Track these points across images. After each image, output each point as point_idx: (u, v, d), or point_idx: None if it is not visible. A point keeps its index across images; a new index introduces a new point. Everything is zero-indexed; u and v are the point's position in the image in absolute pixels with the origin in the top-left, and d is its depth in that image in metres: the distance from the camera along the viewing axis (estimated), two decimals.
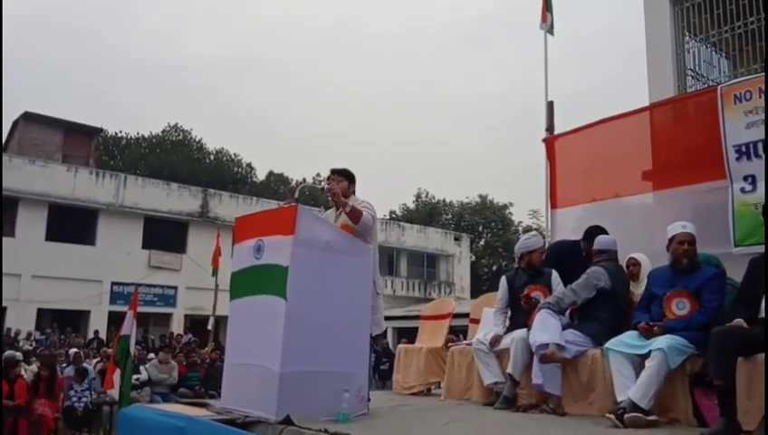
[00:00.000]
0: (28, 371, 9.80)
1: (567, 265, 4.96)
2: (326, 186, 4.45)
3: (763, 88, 4.99)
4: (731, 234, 5.01)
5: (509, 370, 4.44)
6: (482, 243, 42.91)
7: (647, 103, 6.87)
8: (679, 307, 3.83)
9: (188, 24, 67.03)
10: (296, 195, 4.35)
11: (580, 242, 5.25)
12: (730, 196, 5.09)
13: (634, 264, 4.82)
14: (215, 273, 16.91)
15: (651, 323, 3.78)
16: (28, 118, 24.73)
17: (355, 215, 4.18)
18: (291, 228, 3.74)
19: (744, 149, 5.06)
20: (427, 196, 45.68)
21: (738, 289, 3.76)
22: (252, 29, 70.80)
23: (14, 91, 51.36)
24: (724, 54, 8.10)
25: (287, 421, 3.47)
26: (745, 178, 5.03)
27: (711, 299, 3.77)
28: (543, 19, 8.07)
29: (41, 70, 57.19)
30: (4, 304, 20.64)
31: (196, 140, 41.34)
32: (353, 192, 4.51)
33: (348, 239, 4.10)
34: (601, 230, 5.07)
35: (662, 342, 3.62)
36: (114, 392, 8.05)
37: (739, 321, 3.37)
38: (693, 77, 8.02)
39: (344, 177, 4.45)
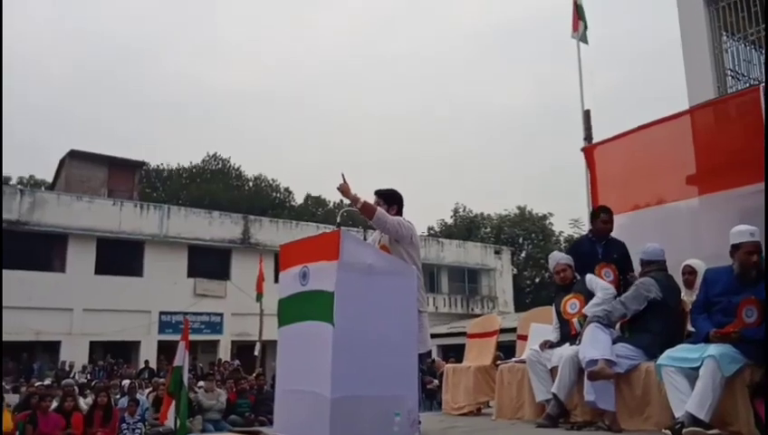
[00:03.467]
0: (83, 403, 10.04)
1: (585, 259, 5.03)
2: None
3: None
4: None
5: (554, 389, 4.39)
6: (523, 255, 42.43)
7: (686, 106, 6.77)
8: (748, 315, 3.68)
9: (211, 61, 68.61)
10: (338, 220, 4.37)
11: (589, 232, 5.37)
12: None
13: (690, 272, 4.75)
14: (259, 298, 17.09)
15: (731, 329, 3.61)
16: (74, 156, 25.51)
17: (367, 210, 4.14)
18: (334, 254, 3.76)
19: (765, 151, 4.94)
20: (464, 210, 45.55)
21: None
22: (279, 60, 72.06)
23: (60, 136, 53.33)
24: (763, 52, 7.93)
25: None
26: None
27: None
28: (575, 27, 8.01)
29: (86, 116, 59.17)
30: (57, 337, 21.24)
31: (235, 167, 42.17)
32: (398, 213, 4.46)
33: (390, 260, 4.12)
34: (602, 210, 5.28)
35: (713, 349, 3.54)
36: (170, 423, 8.14)
37: None
38: (733, 77, 7.87)
39: (384, 198, 4.45)
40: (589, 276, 4.77)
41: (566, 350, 4.41)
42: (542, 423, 4.37)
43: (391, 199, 4.48)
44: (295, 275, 4.08)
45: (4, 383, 13.74)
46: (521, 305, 32.47)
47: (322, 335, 3.72)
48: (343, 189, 4.19)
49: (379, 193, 4.51)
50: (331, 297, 3.71)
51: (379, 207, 4.22)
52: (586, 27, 7.87)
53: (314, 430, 3.68)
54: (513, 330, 6.14)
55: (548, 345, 4.69)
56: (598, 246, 5.17)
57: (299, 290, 4.03)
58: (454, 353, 14.71)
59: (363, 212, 4.20)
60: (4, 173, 38.97)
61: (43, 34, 61.18)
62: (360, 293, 3.81)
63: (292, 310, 4.12)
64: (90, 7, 65.41)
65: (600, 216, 5.26)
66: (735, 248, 3.84)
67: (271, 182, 42.79)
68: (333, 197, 43.08)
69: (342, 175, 4.17)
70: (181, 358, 8.06)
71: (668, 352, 3.80)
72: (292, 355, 4.12)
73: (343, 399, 3.61)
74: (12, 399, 10.56)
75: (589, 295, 4.58)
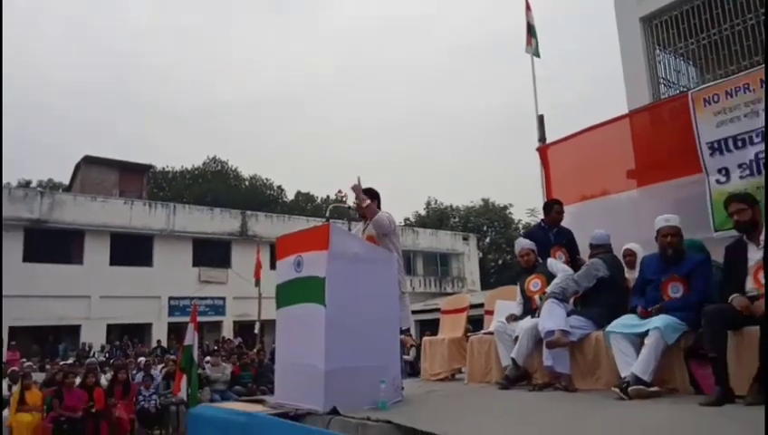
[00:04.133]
0: (103, 379, 9.91)
1: (539, 244, 5.13)
2: (353, 202, 4.47)
3: (729, 91, 4.99)
4: (710, 221, 4.99)
5: (513, 354, 4.45)
6: (487, 241, 42.70)
7: (626, 110, 6.85)
8: (674, 290, 3.81)
9: (212, 72, 67.74)
10: (326, 214, 4.38)
11: (542, 221, 5.57)
12: (707, 187, 5.08)
13: (630, 254, 4.86)
14: (257, 283, 17.04)
15: (651, 309, 3.75)
16: (88, 161, 25.12)
17: (371, 211, 4.28)
18: (325, 244, 3.77)
19: (716, 145, 5.07)
20: (436, 203, 45.65)
21: (723, 271, 3.73)
22: (272, 71, 71.42)
23: (75, 142, 52.34)
24: (691, 63, 8.05)
25: (334, 412, 3.49)
26: (719, 171, 5.03)
27: (701, 282, 3.75)
28: (528, 43, 8.06)
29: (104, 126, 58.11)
30: (78, 322, 20.96)
31: (233, 169, 41.75)
32: (378, 207, 4.52)
33: (374, 249, 4.14)
34: (555, 202, 5.54)
35: (658, 321, 3.60)
36: (182, 395, 8.10)
37: (736, 296, 3.33)
38: (665, 85, 7.98)
39: (368, 195, 4.50)
40: (550, 260, 4.86)
41: (526, 322, 4.47)
42: (501, 383, 4.45)
43: (375, 195, 4.56)
44: (291, 263, 4.08)
45: (31, 362, 13.55)
46: (486, 285, 32.69)
47: (316, 315, 3.73)
48: (356, 190, 4.29)
49: (364, 190, 4.54)
50: (322, 282, 3.72)
51: (378, 210, 4.30)
52: (537, 43, 7.93)
53: (311, 398, 3.69)
54: (481, 306, 6.18)
55: (513, 318, 4.75)
56: (550, 233, 5.29)
57: (294, 276, 4.03)
58: (429, 328, 14.77)
59: (367, 212, 4.31)
60: (25, 177, 38.30)
61: (62, 49, 59.81)
62: (348, 278, 3.83)
63: (288, 294, 4.12)
64: (104, 26, 64.10)
65: (554, 207, 5.40)
66: (657, 233, 3.95)
67: (265, 181, 42.48)
68: (321, 193, 43.01)
69: (358, 178, 4.29)
70: (191, 338, 8.02)
71: (616, 322, 3.86)
72: (290, 333, 4.12)
73: (335, 370, 3.63)
74: (38, 377, 10.37)
75: (550, 276, 4.64)
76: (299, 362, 3.89)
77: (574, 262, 5.10)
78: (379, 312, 3.95)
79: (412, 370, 10.08)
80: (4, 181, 32.68)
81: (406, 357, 13.73)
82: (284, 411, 3.72)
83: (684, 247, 3.92)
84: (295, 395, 3.88)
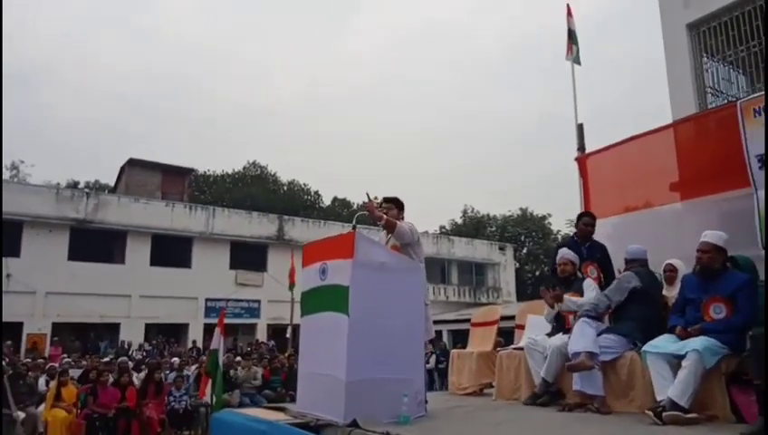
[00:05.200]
0: (138, 378, 10.10)
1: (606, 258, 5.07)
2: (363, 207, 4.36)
3: None
4: (758, 237, 4.72)
5: (543, 373, 4.33)
6: (525, 251, 42.01)
7: (670, 120, 6.61)
8: (716, 311, 3.62)
9: (253, 82, 69.04)
10: (354, 223, 4.32)
11: (574, 234, 5.41)
12: (755, 202, 4.81)
13: (671, 269, 4.68)
14: (291, 287, 17.14)
15: (690, 329, 3.57)
16: (132, 163, 25.84)
17: (390, 225, 4.19)
18: (350, 253, 3.71)
19: (765, 158, 4.78)
20: (473, 211, 45.23)
21: None
22: (310, 81, 72.29)
23: (128, 133, 54.13)
24: (741, 72, 7.71)
25: (354, 424, 3.42)
26: None
27: (746, 304, 3.54)
28: (569, 51, 7.87)
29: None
30: (117, 320, 21.52)
31: (272, 173, 42.33)
32: (402, 217, 4.47)
33: (400, 259, 4.06)
34: (584, 214, 5.39)
35: (697, 343, 3.42)
36: (207, 399, 8.16)
37: None
38: (713, 94, 7.66)
39: (393, 204, 4.48)
40: (587, 281, 4.69)
41: (556, 340, 4.32)
42: (526, 401, 4.37)
43: (400, 205, 4.51)
44: (316, 270, 4.04)
45: (70, 359, 13.95)
46: (522, 296, 32.16)
47: (339, 325, 3.67)
48: (369, 208, 4.20)
49: (387, 199, 4.54)
50: (346, 291, 3.66)
51: (398, 222, 4.20)
52: (578, 50, 7.72)
53: (332, 409, 3.63)
54: (514, 318, 6.02)
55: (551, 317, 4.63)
56: (582, 248, 5.09)
57: (319, 284, 3.99)
58: (461, 339, 14.59)
59: (386, 227, 4.23)
60: (74, 178, 39.70)
61: (111, 62, 62.05)
62: (373, 287, 3.76)
63: (312, 302, 4.08)
64: (152, 41, 66.26)
65: (583, 219, 5.26)
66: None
67: (303, 186, 42.89)
68: (357, 199, 43.15)
69: (367, 194, 4.19)
70: (217, 342, 8.08)
71: (653, 341, 3.69)
72: (313, 341, 4.08)
73: (357, 382, 3.56)
74: (76, 373, 10.66)
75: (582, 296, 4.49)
76: (321, 372, 3.84)
77: (607, 278, 4.90)
78: (404, 323, 3.87)
79: (430, 377, 9.96)
80: (54, 182, 34.09)
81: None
82: (305, 422, 3.67)
83: (718, 266, 3.72)
84: (316, 405, 3.83)
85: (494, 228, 43.40)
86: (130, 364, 10.95)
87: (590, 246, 5.15)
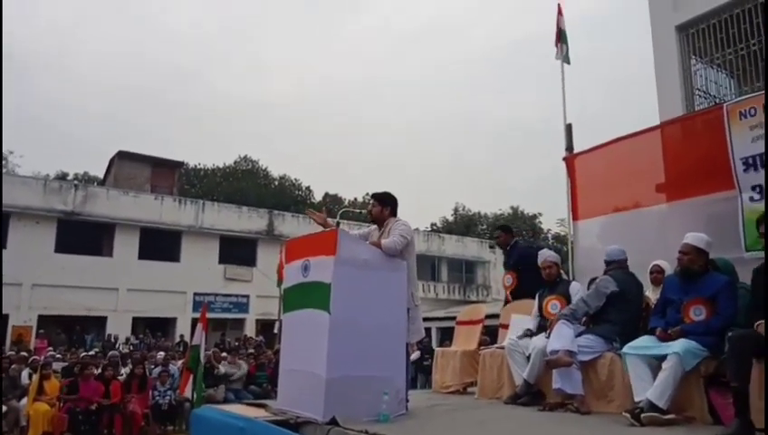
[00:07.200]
0: (123, 372, 10.03)
1: (526, 263, 5.55)
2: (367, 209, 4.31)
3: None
4: (741, 240, 4.74)
5: (525, 375, 4.35)
6: None
7: (657, 121, 6.62)
8: (696, 313, 3.62)
9: (243, 77, 68.70)
10: (337, 220, 4.27)
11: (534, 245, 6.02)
12: (740, 205, 4.82)
13: (658, 271, 4.68)
14: (279, 283, 17.08)
15: (670, 331, 3.57)
16: (122, 156, 25.62)
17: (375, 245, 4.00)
18: (332, 249, 3.69)
19: (750, 161, 4.80)
20: (463, 209, 45.30)
21: (751, 295, 3.52)
22: (302, 76, 72.05)
23: (117, 125, 53.70)
24: (729, 74, 7.74)
25: (333, 422, 3.40)
26: (753, 188, 4.76)
27: (726, 306, 3.55)
28: (559, 50, 7.86)
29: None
30: (105, 313, 21.38)
31: (263, 168, 42.13)
32: (392, 213, 4.29)
33: (384, 257, 3.99)
34: (506, 228, 6.15)
35: (677, 345, 3.42)
36: (188, 395, 8.12)
37: (763, 323, 3.14)
38: (701, 96, 7.68)
39: (378, 201, 4.32)
40: (574, 284, 4.74)
41: (539, 341, 4.32)
42: (506, 401, 4.42)
43: (385, 201, 4.33)
44: (298, 267, 4.02)
45: (56, 353, 13.85)
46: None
47: (320, 322, 3.66)
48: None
49: (375, 196, 4.40)
50: (328, 288, 3.64)
51: (383, 241, 3.99)
52: (568, 49, 7.72)
53: (312, 407, 3.62)
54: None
55: (528, 334, 4.61)
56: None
57: (301, 281, 3.97)
58: (449, 336, 14.62)
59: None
60: (62, 170, 39.36)
61: (99, 56, 61.52)
62: (355, 285, 3.74)
63: (294, 299, 4.06)
64: (145, 34, 65.71)
65: (495, 232, 6.36)
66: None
67: (294, 181, 42.75)
68: (348, 195, 43.10)
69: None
70: (198, 338, 8.02)
71: (633, 343, 3.69)
72: (294, 338, 4.06)
73: (337, 379, 3.55)
74: (61, 366, 10.59)
75: (569, 299, 4.50)
76: (301, 369, 3.83)
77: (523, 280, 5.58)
78: (386, 321, 3.84)
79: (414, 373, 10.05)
80: (43, 173, 33.78)
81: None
82: (285, 419, 3.66)
83: (697, 268, 3.72)
84: (296, 402, 3.82)
85: (484, 226, 43.47)
86: (119, 360, 10.84)
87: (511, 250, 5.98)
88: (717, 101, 7.41)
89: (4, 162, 34.95)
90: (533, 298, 4.96)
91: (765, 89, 4.47)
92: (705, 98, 7.67)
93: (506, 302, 5.93)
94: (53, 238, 20.95)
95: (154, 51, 64.45)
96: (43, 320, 20.00)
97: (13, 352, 12.03)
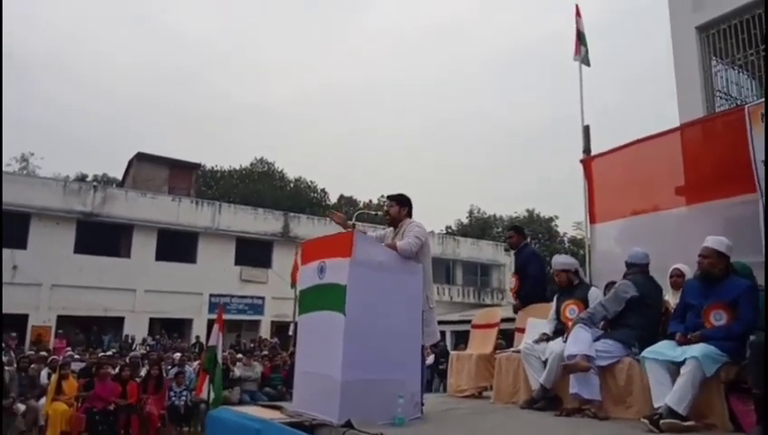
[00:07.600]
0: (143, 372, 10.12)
1: (525, 270, 5.78)
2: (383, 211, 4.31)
3: None
4: (763, 244, 4.65)
5: (542, 380, 4.30)
6: None
7: (677, 123, 6.54)
8: (717, 318, 3.57)
9: (258, 81, 69.12)
10: (353, 222, 4.27)
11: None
12: (761, 208, 4.74)
13: (679, 274, 4.63)
14: (293, 285, 17.15)
15: (690, 336, 3.53)
16: (140, 157, 25.90)
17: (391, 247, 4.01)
18: (348, 251, 3.69)
19: None
20: (479, 212, 45.10)
21: None
22: (318, 79, 72.33)
23: (135, 128, 54.37)
24: (750, 75, 7.62)
25: (348, 425, 3.40)
26: None
27: (747, 311, 3.49)
28: (577, 51, 7.80)
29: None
30: (122, 314, 21.62)
31: (279, 170, 42.35)
32: (408, 214, 4.33)
33: (400, 259, 3.99)
34: (519, 229, 6.17)
35: (696, 350, 3.37)
36: (204, 396, 8.16)
37: None
38: (722, 97, 7.57)
39: (396, 202, 4.34)
40: (596, 291, 4.69)
41: (556, 345, 4.28)
42: (522, 406, 4.37)
43: (403, 202, 4.36)
44: (314, 269, 4.02)
45: (74, 353, 14.00)
46: None
47: (335, 324, 3.66)
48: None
49: (392, 197, 4.41)
50: (343, 290, 3.64)
51: (398, 243, 4.01)
52: (587, 51, 7.65)
53: (327, 409, 3.62)
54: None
55: (545, 338, 4.56)
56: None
57: (316, 283, 3.97)
58: (464, 340, 14.57)
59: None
60: (82, 172, 39.92)
61: (118, 63, 62.36)
62: (371, 287, 3.74)
63: (310, 300, 4.06)
64: (166, 37, 66.50)
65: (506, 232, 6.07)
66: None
67: (309, 184, 42.90)
68: (363, 197, 43.14)
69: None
70: (215, 339, 8.06)
71: (652, 347, 3.64)
72: (310, 341, 4.06)
73: (352, 382, 3.54)
74: (79, 366, 10.70)
75: (587, 304, 4.45)
76: (316, 371, 3.83)
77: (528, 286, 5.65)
78: (401, 323, 3.84)
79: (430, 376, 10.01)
80: (63, 175, 34.28)
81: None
82: (300, 421, 3.66)
83: (718, 272, 3.67)
84: (311, 404, 3.82)
85: (500, 229, 43.20)
86: (139, 361, 10.93)
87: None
88: (738, 102, 7.31)
89: (25, 163, 35.60)
90: (535, 303, 4.93)
91: (766, 89, 4.39)
92: (726, 99, 7.56)
93: (515, 304, 5.88)
94: (73, 239, 21.23)
95: (172, 57, 65.13)
96: (61, 320, 20.28)
97: (32, 352, 12.19)
